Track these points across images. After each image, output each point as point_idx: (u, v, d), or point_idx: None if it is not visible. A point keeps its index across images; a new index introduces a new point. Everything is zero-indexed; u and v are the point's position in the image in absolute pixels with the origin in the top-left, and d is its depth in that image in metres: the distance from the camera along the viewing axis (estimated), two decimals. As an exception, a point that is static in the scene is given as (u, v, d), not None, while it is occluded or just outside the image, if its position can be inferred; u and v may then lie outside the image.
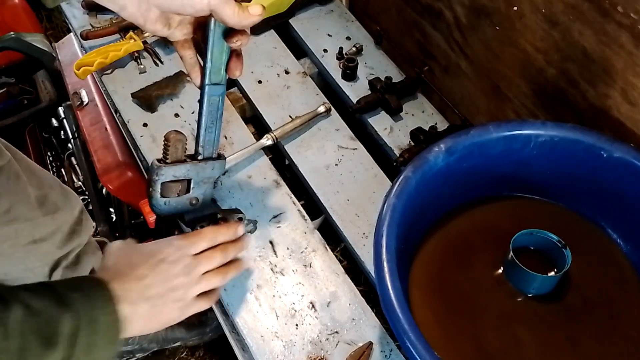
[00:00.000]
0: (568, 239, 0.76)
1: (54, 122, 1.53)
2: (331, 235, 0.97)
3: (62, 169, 1.55)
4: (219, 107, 0.72)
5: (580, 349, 0.74)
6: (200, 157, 0.74)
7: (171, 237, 0.73)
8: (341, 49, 1.12)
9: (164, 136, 0.72)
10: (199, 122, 0.72)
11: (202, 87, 0.70)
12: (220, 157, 0.77)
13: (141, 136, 1.00)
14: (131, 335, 0.65)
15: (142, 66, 1.08)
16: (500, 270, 0.79)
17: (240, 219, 0.84)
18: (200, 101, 0.71)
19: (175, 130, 0.72)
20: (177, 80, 1.07)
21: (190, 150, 0.75)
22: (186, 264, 0.71)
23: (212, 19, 0.65)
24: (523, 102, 0.90)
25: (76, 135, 1.48)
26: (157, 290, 0.68)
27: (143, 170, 1.22)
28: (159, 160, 0.72)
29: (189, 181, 0.75)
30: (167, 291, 0.69)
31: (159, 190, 0.73)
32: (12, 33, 1.55)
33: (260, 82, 1.09)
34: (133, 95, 1.04)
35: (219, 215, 0.82)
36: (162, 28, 0.68)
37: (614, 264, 0.81)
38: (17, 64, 1.62)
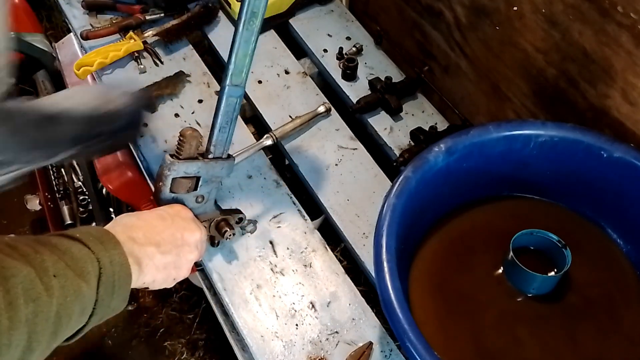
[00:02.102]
0: (568, 239, 0.76)
1: (54, 122, 1.53)
2: (331, 235, 0.97)
3: (62, 169, 1.55)
4: (235, 108, 0.73)
5: (580, 349, 0.74)
6: (211, 156, 0.75)
7: None
8: (341, 49, 1.12)
9: (180, 132, 0.73)
10: (214, 121, 0.73)
11: (222, 88, 0.71)
12: (229, 157, 0.77)
13: (141, 136, 1.00)
14: (146, 281, 0.66)
15: (142, 66, 1.08)
16: (500, 270, 0.79)
17: (241, 219, 0.85)
18: (218, 101, 0.72)
19: (191, 127, 0.73)
20: (177, 80, 1.07)
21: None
22: (202, 240, 0.76)
23: (242, 20, 0.66)
24: (523, 102, 0.90)
25: (76, 135, 1.48)
26: (166, 238, 0.69)
27: (143, 170, 1.22)
28: (171, 156, 0.73)
29: (197, 179, 0.75)
30: (178, 243, 0.71)
31: (169, 186, 0.73)
32: (12, 33, 1.55)
33: (260, 82, 1.09)
34: (133, 95, 1.04)
35: (220, 217, 0.82)
36: None
37: (614, 264, 0.81)
38: (17, 64, 1.62)
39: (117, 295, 0.59)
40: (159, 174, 0.73)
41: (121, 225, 0.66)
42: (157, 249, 0.68)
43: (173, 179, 0.73)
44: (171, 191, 0.74)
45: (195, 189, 0.76)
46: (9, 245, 0.50)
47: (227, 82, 0.70)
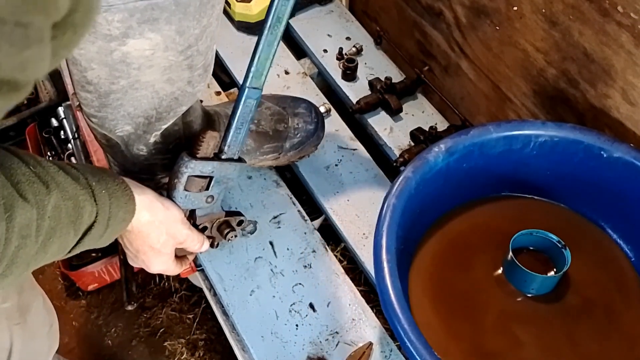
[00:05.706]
0: (568, 239, 0.76)
1: (54, 122, 1.53)
2: (331, 235, 0.97)
3: (62, 169, 1.55)
4: (252, 110, 0.73)
5: (580, 349, 0.74)
6: (224, 156, 0.75)
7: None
8: (341, 49, 1.12)
9: (200, 131, 0.73)
10: (230, 121, 0.73)
11: (241, 89, 0.71)
12: (241, 159, 0.77)
13: (141, 136, 1.00)
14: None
15: (142, 66, 1.08)
16: (500, 271, 0.79)
17: (242, 222, 0.85)
18: (237, 102, 0.72)
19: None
20: (177, 80, 1.07)
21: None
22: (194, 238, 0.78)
23: (267, 25, 0.66)
24: (523, 102, 0.90)
25: (76, 135, 1.48)
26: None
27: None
28: (188, 154, 0.73)
29: (210, 179, 0.76)
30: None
31: (184, 183, 0.74)
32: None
33: (260, 82, 1.09)
34: (133, 95, 1.04)
35: (221, 218, 0.82)
36: None
37: (614, 264, 0.81)
38: (17, 64, 1.62)
39: (103, 241, 0.64)
40: (175, 171, 0.74)
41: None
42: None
43: (188, 177, 0.74)
44: (185, 189, 0.75)
45: (207, 189, 0.76)
46: (37, 175, 0.53)
47: (247, 83, 0.71)
